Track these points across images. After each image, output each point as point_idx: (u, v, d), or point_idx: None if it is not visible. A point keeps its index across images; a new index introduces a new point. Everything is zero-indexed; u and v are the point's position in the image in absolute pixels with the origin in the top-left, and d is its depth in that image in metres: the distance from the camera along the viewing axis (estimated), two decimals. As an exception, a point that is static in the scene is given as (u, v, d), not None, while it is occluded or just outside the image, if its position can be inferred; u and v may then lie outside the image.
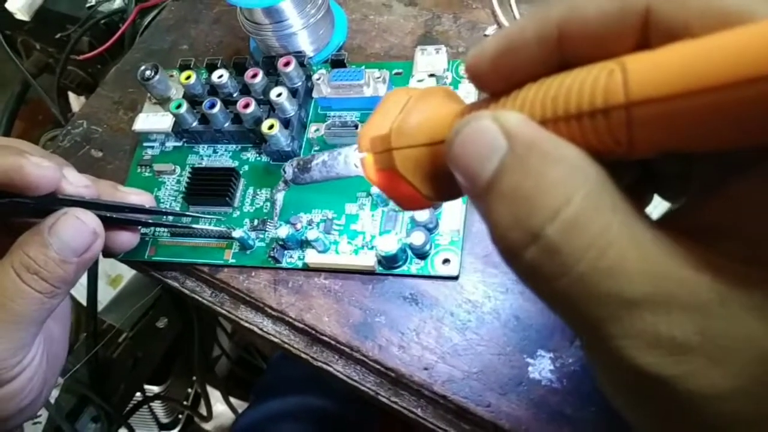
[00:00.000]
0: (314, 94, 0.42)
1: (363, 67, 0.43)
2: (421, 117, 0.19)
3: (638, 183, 0.18)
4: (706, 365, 0.13)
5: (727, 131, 0.13)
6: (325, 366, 0.38)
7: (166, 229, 0.42)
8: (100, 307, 0.72)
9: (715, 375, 0.13)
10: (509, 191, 0.15)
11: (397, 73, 0.43)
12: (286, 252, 0.40)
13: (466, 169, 0.16)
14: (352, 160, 0.27)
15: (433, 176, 0.18)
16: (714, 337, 0.13)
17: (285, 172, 0.29)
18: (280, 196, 0.40)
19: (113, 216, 0.37)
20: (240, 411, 0.97)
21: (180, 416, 1.01)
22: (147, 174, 0.45)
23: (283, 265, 0.39)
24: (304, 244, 0.39)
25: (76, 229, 0.35)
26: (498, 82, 0.17)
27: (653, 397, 0.14)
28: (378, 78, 0.41)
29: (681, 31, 0.14)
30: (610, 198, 0.14)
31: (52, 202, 0.35)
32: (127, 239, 0.39)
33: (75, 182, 0.36)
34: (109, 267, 0.76)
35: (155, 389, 0.91)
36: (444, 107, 0.19)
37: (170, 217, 0.42)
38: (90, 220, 0.35)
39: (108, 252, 0.39)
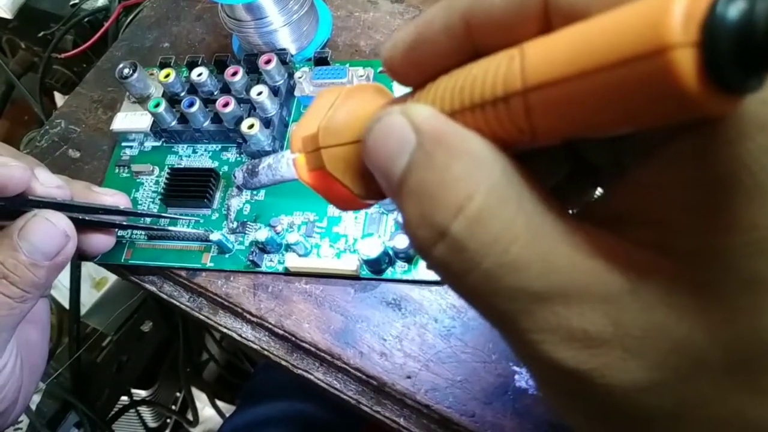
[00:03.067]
0: (296, 93, 0.41)
1: (347, 65, 0.42)
2: (348, 114, 0.18)
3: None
4: (622, 357, 0.13)
5: (620, 113, 0.12)
6: (305, 374, 0.37)
7: (143, 232, 0.41)
8: (83, 310, 0.70)
9: (632, 367, 0.13)
10: (417, 187, 0.14)
11: (381, 71, 0.42)
12: (265, 256, 0.38)
13: (379, 167, 0.16)
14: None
15: (364, 174, 0.18)
16: (627, 327, 0.13)
17: (235, 178, 0.28)
18: (233, 203, 0.38)
19: (86, 218, 0.36)
20: (228, 416, 0.96)
21: (168, 420, 1.00)
22: (125, 174, 0.44)
23: (263, 269, 0.38)
24: (284, 247, 0.38)
25: (47, 231, 0.34)
26: (414, 75, 0.17)
27: (577, 393, 0.14)
28: (362, 76, 0.40)
29: (581, 12, 0.13)
30: (516, 191, 0.14)
31: (23, 203, 0.34)
32: (102, 242, 0.38)
33: (46, 183, 0.35)
34: (93, 269, 0.75)
35: (143, 393, 0.89)
36: (372, 103, 0.18)
37: (147, 219, 0.41)
38: (61, 222, 0.34)
39: (83, 255, 0.38)
